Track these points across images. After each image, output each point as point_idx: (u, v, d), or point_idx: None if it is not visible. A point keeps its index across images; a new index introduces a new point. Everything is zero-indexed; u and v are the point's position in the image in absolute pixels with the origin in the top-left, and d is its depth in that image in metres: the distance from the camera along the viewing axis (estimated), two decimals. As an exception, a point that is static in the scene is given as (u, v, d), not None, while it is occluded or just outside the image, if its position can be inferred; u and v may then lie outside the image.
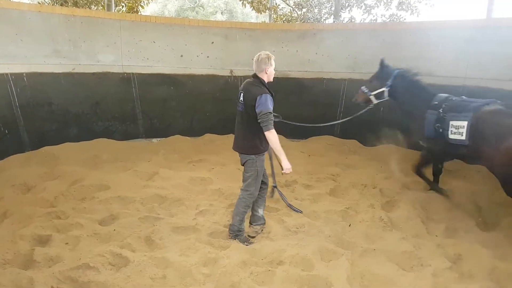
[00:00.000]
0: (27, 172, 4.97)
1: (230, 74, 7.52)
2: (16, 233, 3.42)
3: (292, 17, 12.40)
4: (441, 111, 4.18)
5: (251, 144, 3.53)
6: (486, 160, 3.88)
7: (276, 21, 12.40)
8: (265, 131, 3.38)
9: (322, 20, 12.15)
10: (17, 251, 3.15)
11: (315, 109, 7.31)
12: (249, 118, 3.47)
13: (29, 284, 2.76)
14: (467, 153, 4.09)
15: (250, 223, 3.89)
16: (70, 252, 3.22)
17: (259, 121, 3.38)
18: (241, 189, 3.69)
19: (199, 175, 5.20)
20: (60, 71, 6.29)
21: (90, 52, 6.54)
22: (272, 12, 12.39)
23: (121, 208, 4.15)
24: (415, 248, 3.51)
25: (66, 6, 9.33)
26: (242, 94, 3.51)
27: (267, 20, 13.90)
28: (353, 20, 11.73)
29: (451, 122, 4.03)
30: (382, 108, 6.97)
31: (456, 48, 6.14)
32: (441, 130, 4.16)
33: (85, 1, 9.99)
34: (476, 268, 3.19)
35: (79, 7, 9.57)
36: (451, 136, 4.03)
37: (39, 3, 9.59)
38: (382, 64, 4.99)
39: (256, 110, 3.37)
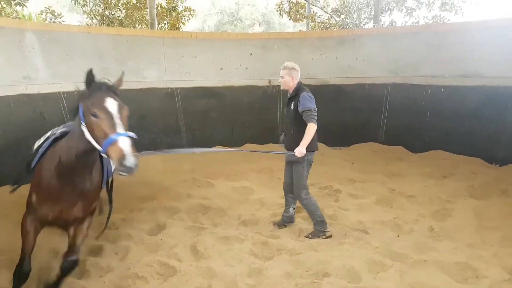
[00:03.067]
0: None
1: (268, 84, 7.57)
2: (71, 243, 3.59)
3: (330, 24, 12.28)
4: None
5: None
6: None
7: (313, 29, 12.35)
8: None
9: (362, 25, 11.95)
10: (72, 261, 3.30)
11: (357, 115, 7.19)
12: None
13: (83, 292, 2.89)
14: None
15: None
16: (119, 262, 3.33)
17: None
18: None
19: (240, 185, 5.24)
20: (109, 89, 6.61)
21: (135, 69, 6.83)
22: (310, 21, 12.35)
23: (167, 218, 4.26)
24: (469, 258, 3.29)
25: (112, 26, 9.84)
26: None
27: (304, 29, 13.87)
28: (394, 23, 11.46)
29: None
30: (428, 113, 6.73)
31: (505, 47, 5.81)
32: None
33: (130, 21, 10.48)
34: (539, 281, 2.93)
35: (124, 27, 10.07)
36: None
37: (87, 24, 10.19)
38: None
39: None
